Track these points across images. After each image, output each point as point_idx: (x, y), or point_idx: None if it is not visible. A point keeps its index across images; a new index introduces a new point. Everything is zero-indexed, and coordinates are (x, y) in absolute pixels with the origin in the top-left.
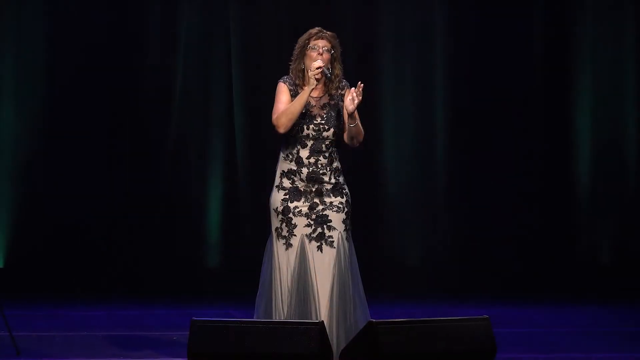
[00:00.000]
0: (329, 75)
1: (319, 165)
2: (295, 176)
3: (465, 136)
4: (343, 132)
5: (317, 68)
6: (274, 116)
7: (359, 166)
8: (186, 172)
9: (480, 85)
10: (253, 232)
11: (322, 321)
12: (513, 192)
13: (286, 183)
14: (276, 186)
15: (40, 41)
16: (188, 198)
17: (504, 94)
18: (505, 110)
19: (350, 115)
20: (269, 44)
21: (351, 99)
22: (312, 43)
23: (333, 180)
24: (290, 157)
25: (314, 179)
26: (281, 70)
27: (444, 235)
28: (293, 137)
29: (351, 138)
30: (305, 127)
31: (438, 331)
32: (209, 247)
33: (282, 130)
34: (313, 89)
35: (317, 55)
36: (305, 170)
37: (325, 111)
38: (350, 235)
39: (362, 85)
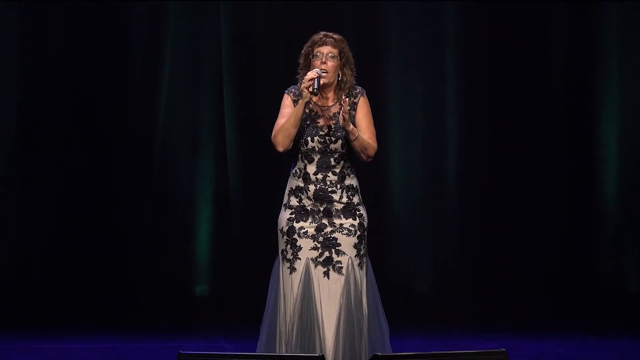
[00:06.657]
0: (315, 91)
1: (328, 182)
2: (302, 194)
3: (479, 154)
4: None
5: (309, 80)
6: (272, 133)
7: (362, 185)
8: (173, 192)
9: (495, 101)
10: (245, 256)
11: (322, 355)
12: (531, 214)
13: (293, 201)
14: (284, 205)
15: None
16: (176, 220)
17: (521, 110)
18: (522, 127)
19: (348, 130)
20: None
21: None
22: (315, 51)
23: (345, 200)
24: (298, 173)
25: (321, 197)
26: (278, 85)
27: (456, 259)
28: (299, 151)
29: (358, 153)
30: (309, 139)
31: None
32: (198, 273)
33: (280, 148)
34: (307, 101)
35: (320, 64)
36: (312, 188)
37: (334, 121)
38: (366, 261)
39: (346, 99)
